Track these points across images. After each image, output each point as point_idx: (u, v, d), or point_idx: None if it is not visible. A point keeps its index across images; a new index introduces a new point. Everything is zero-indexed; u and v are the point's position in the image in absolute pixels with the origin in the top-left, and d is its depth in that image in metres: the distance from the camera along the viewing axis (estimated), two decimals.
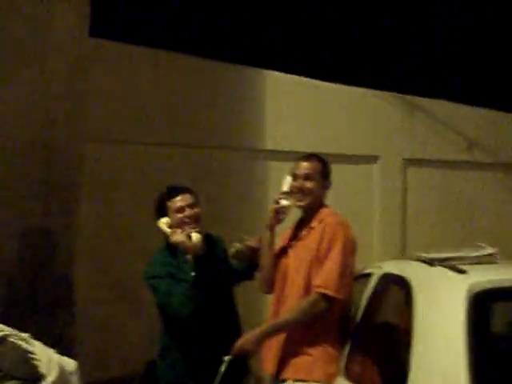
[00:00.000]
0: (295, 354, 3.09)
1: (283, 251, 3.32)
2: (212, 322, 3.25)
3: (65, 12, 4.13)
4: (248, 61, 6.20)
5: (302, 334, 3.09)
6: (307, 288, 3.10)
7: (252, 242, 3.44)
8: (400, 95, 6.90)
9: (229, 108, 5.96)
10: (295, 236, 3.32)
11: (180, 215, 3.28)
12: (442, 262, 2.80)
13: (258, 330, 3.09)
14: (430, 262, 2.87)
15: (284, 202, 3.28)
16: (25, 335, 2.08)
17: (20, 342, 2.02)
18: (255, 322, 3.30)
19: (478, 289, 2.45)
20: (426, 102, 7.00)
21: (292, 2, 7.60)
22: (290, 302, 3.14)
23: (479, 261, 2.86)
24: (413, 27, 8.03)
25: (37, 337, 2.13)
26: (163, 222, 3.31)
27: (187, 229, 3.25)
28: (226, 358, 3.04)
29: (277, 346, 3.14)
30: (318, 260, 3.10)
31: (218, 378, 3.02)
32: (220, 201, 5.60)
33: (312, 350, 3.06)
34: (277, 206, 3.29)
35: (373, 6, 7.88)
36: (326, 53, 7.56)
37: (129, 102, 5.45)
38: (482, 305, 2.44)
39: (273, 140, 6.14)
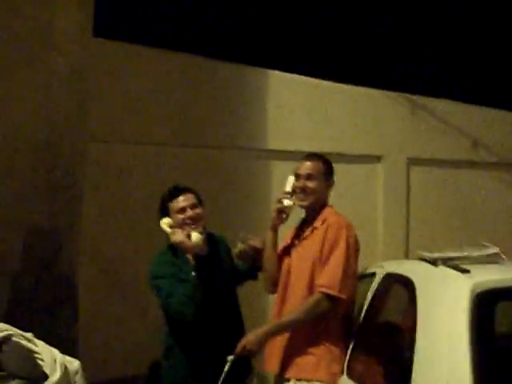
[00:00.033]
0: (298, 354, 3.09)
1: (286, 251, 3.33)
2: (215, 322, 3.25)
3: (67, 12, 4.13)
4: (250, 60, 6.20)
5: (305, 333, 3.09)
6: (310, 288, 3.10)
7: (255, 242, 3.44)
8: (404, 94, 6.89)
9: (231, 107, 5.95)
10: (298, 236, 3.32)
11: (181, 216, 3.28)
12: (445, 262, 2.80)
13: (261, 330, 3.09)
14: (434, 262, 2.86)
15: (286, 202, 3.29)
16: (28, 335, 2.09)
17: (24, 342, 2.03)
18: (258, 322, 3.30)
19: (481, 288, 2.45)
20: (429, 101, 7.00)
21: (293, 1, 7.60)
22: (294, 302, 3.14)
23: (482, 260, 2.86)
24: (416, 26, 8.02)
25: (40, 336, 2.14)
26: (165, 223, 3.31)
27: (188, 229, 3.25)
28: (230, 358, 3.04)
29: (280, 346, 3.14)
30: (321, 260, 3.10)
31: (222, 378, 3.02)
32: (223, 201, 5.59)
33: (315, 350, 3.07)
34: (279, 205, 3.29)
35: (375, 5, 7.87)
36: (328, 52, 7.56)
37: (131, 101, 5.45)
38: (485, 304, 2.44)
39: (275, 140, 6.13)
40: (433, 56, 8.02)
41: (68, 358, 2.13)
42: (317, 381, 3.04)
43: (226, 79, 5.96)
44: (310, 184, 3.25)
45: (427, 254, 2.99)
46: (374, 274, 3.35)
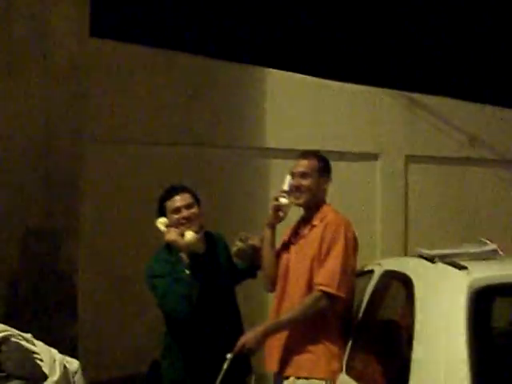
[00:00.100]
0: (297, 352, 3.10)
1: (285, 249, 3.33)
2: (214, 321, 3.25)
3: (65, 12, 4.14)
4: (249, 59, 6.21)
5: (304, 331, 3.10)
6: (309, 286, 3.11)
7: (254, 241, 3.45)
8: (401, 92, 6.88)
9: (230, 106, 5.96)
10: (297, 234, 3.32)
11: (176, 216, 3.29)
12: (442, 259, 2.80)
13: (260, 328, 3.10)
14: (431, 259, 2.87)
15: (283, 200, 3.30)
16: (27, 335, 2.09)
17: (23, 342, 2.03)
18: (257, 320, 3.31)
19: (478, 285, 2.45)
20: (427, 98, 6.99)
21: (293, 0, 7.61)
22: (292, 300, 3.15)
23: (480, 257, 2.86)
24: (414, 24, 8.02)
25: (39, 337, 2.14)
26: (160, 222, 3.33)
27: (182, 228, 3.26)
28: (229, 356, 3.05)
29: (279, 344, 3.15)
30: (320, 258, 3.11)
31: (221, 376, 3.03)
32: (222, 199, 5.60)
33: (314, 348, 3.08)
34: (276, 203, 3.30)
35: (374, 4, 7.87)
36: (327, 51, 7.56)
37: (129, 101, 5.45)
38: (483, 301, 2.44)
39: (275, 138, 6.14)
40: (431, 53, 8.02)
41: (67, 358, 2.13)
42: (316, 379, 3.05)
43: (225, 78, 5.96)
44: (305, 182, 3.25)
45: (425, 251, 2.99)
46: (372, 272, 3.35)
